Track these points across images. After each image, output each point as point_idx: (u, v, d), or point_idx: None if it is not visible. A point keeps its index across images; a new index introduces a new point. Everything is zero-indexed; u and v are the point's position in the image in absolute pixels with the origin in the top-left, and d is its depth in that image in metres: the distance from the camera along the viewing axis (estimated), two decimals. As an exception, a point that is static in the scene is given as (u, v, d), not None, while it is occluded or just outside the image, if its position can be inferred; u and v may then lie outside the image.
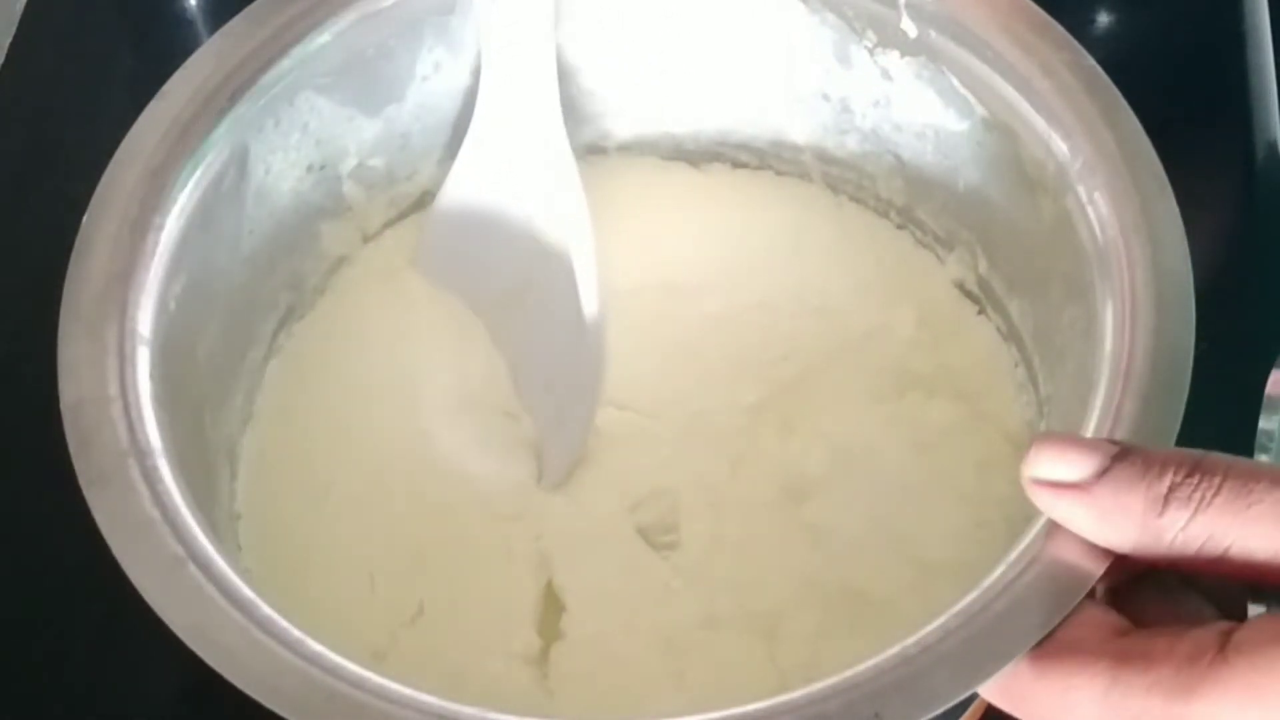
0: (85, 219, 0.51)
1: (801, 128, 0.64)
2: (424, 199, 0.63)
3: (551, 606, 0.56)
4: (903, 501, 0.57)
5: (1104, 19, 0.74)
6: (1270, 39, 0.73)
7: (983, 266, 0.60)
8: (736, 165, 0.67)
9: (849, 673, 0.42)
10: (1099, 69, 0.53)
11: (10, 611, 0.60)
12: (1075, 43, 0.54)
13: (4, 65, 0.75)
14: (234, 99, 0.54)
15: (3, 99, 0.74)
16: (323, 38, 0.56)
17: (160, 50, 0.75)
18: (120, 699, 0.59)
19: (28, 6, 0.77)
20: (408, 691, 0.42)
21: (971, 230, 0.60)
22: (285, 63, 0.55)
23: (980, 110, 0.56)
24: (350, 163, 0.61)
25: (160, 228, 0.51)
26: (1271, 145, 0.71)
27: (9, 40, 0.75)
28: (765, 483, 0.58)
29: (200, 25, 0.76)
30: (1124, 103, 0.52)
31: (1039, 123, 0.53)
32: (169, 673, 0.59)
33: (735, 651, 0.55)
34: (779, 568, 0.56)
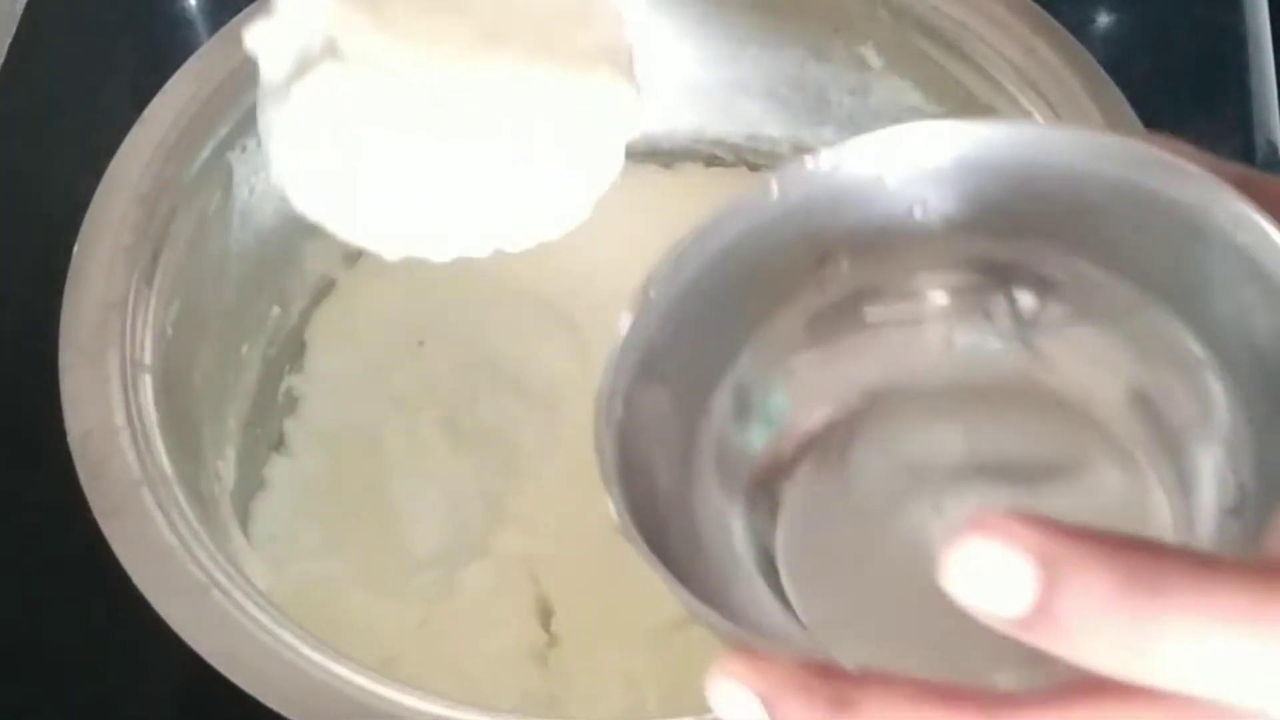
0: (76, 248, 0.50)
1: (777, 120, 0.64)
2: (403, 211, 0.63)
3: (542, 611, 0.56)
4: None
5: (1104, 19, 0.74)
6: (1270, 39, 0.73)
7: (966, 245, 0.61)
8: (710, 163, 0.67)
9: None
10: (1078, 44, 0.54)
11: (10, 611, 0.60)
12: (1051, 19, 0.54)
13: (4, 65, 0.74)
14: (215, 121, 0.54)
15: (3, 99, 0.73)
16: (298, 53, 0.56)
17: (160, 50, 0.74)
18: (120, 699, 0.59)
19: (28, 6, 0.76)
20: (445, 711, 0.42)
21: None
22: (263, 81, 0.55)
23: (961, 91, 0.56)
24: (330, 178, 0.60)
25: (154, 254, 0.51)
26: (1271, 145, 0.71)
27: (9, 40, 0.74)
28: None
29: (200, 25, 0.75)
30: (1105, 75, 0.53)
31: (1022, 100, 0.54)
32: (169, 673, 0.58)
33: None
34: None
